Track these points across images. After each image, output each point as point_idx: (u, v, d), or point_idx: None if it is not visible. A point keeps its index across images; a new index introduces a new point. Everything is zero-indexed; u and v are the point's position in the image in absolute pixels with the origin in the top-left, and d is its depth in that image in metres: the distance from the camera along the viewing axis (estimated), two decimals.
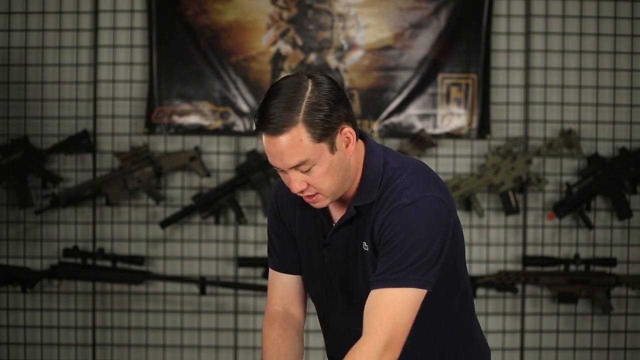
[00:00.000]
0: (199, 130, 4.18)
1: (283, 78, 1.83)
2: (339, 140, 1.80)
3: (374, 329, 1.76)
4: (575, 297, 4.08)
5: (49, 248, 4.22)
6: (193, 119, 4.18)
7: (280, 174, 1.84)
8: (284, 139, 1.76)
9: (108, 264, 4.15)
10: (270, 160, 1.81)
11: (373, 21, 4.15)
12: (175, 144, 4.22)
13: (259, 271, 4.18)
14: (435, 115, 4.17)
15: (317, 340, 2.19)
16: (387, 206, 1.83)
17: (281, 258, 2.05)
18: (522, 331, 4.20)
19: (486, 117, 4.15)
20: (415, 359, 1.94)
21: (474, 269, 4.17)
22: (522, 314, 4.20)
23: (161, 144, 4.22)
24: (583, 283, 4.07)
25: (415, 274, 1.78)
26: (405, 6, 4.13)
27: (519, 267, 4.17)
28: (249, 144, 4.21)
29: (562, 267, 4.15)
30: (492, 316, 4.20)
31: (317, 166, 1.79)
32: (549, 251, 4.19)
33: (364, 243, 1.88)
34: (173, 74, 4.16)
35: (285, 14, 4.15)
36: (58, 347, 4.24)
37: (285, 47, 4.16)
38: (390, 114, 4.13)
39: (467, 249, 1.95)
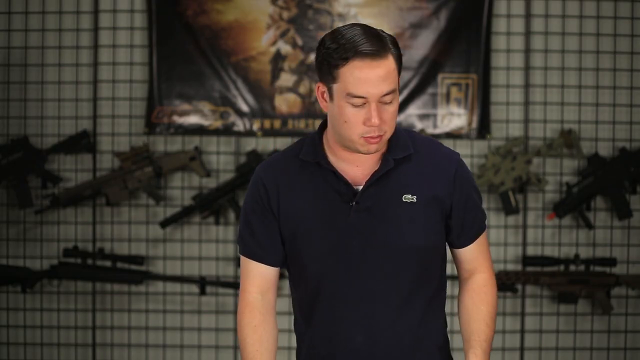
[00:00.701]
0: (199, 130, 4.18)
1: (342, 27, 1.90)
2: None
3: (487, 269, 2.11)
4: (575, 297, 4.08)
5: (49, 248, 4.22)
6: (193, 119, 4.18)
7: (354, 112, 1.86)
8: (384, 64, 1.85)
9: (108, 264, 4.15)
10: (359, 89, 1.84)
11: (373, 21, 4.14)
12: (175, 144, 4.22)
13: None
14: (435, 115, 4.17)
15: None
16: (445, 157, 2.01)
17: (264, 249, 2.04)
18: (522, 331, 4.20)
19: (486, 117, 4.15)
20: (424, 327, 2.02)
21: None
22: (522, 314, 4.20)
23: (161, 144, 4.22)
24: (583, 283, 4.07)
25: (484, 217, 2.08)
26: (405, 6, 4.14)
27: (519, 267, 4.18)
28: (249, 144, 4.21)
29: (562, 267, 4.15)
30: None
31: (395, 101, 1.91)
32: (549, 251, 4.19)
33: (406, 195, 1.95)
34: (173, 74, 4.16)
35: (285, 14, 4.15)
36: (58, 347, 4.24)
37: (285, 47, 4.16)
38: None
39: None
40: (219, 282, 4.13)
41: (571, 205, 4.10)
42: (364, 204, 1.94)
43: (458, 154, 2.04)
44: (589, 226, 4.11)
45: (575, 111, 4.19)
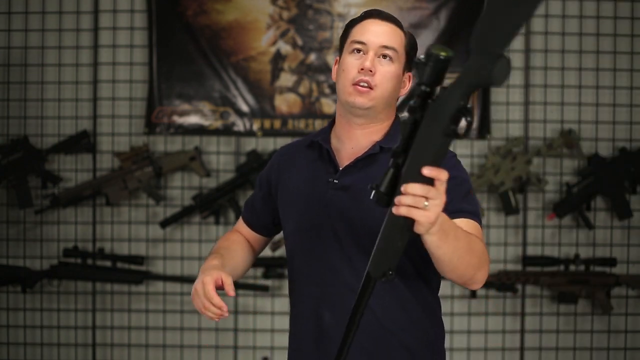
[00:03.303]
0: (199, 130, 4.18)
1: None
2: (405, 75, 2.07)
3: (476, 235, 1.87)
4: (575, 297, 4.08)
5: (49, 248, 4.22)
6: (193, 119, 4.18)
7: (355, 57, 2.01)
8: (392, 27, 2.03)
9: (108, 264, 4.15)
10: (361, 35, 2.01)
11: None
12: (175, 144, 4.22)
13: (259, 271, 4.18)
14: None
15: None
16: None
17: (259, 219, 2.24)
18: (522, 331, 4.20)
19: (486, 117, 4.15)
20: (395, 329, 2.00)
21: None
22: (522, 314, 4.20)
23: (161, 144, 4.22)
24: (583, 283, 4.07)
25: (470, 207, 1.95)
26: (405, 6, 4.14)
27: (519, 267, 4.18)
28: (249, 144, 4.21)
29: (562, 267, 4.15)
30: (492, 316, 4.20)
31: (392, 65, 2.01)
32: (549, 251, 4.19)
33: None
34: (173, 74, 4.16)
35: (285, 14, 4.15)
36: (58, 347, 4.24)
37: (285, 47, 4.16)
38: None
39: None
40: None
41: (571, 205, 4.10)
42: (341, 183, 2.00)
43: (451, 152, 1.99)
44: (589, 226, 4.11)
45: (575, 111, 4.19)
